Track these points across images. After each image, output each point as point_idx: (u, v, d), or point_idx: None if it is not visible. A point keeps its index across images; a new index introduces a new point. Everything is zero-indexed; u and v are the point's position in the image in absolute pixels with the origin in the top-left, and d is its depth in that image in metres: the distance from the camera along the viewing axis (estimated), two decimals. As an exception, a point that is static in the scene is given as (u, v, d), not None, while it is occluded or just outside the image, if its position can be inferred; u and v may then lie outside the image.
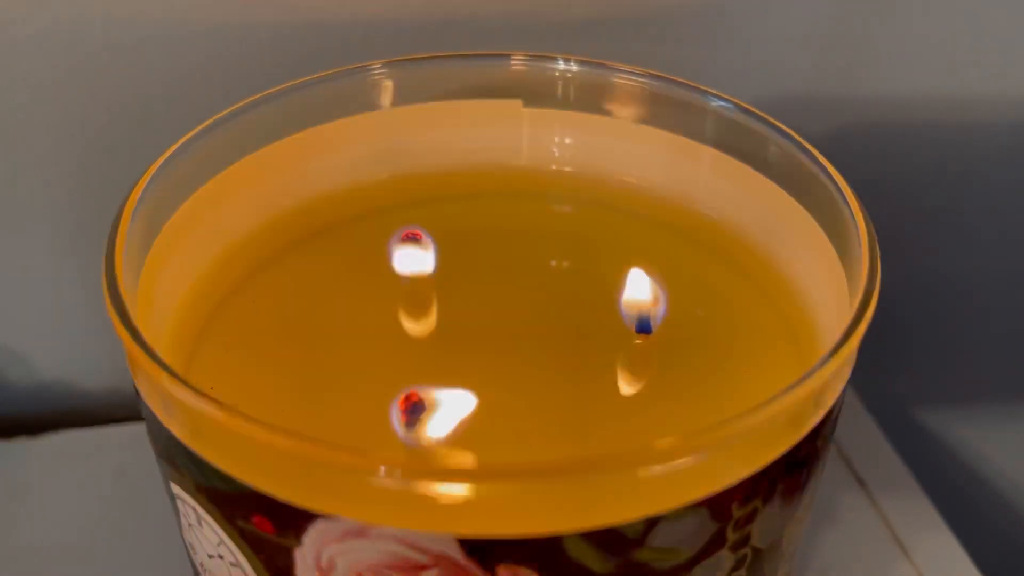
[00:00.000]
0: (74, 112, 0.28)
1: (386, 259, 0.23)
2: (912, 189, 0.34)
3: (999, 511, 0.39)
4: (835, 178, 0.21)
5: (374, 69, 0.25)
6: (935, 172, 0.34)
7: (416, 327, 0.23)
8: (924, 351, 0.37)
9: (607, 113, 0.25)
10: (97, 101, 0.28)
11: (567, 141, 0.26)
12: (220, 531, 0.18)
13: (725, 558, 0.18)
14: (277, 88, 0.24)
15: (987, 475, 0.38)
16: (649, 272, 0.22)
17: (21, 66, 0.27)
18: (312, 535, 0.17)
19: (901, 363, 0.37)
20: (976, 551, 0.29)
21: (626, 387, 0.21)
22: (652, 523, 0.16)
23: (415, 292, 0.23)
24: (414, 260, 0.23)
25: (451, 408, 0.19)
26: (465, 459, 0.18)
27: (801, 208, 0.22)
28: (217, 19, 0.28)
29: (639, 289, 0.21)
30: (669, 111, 0.24)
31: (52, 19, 0.27)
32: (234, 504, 0.17)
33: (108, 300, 0.18)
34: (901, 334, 0.36)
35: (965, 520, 0.30)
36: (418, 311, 0.23)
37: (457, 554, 0.16)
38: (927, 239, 0.35)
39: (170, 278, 0.22)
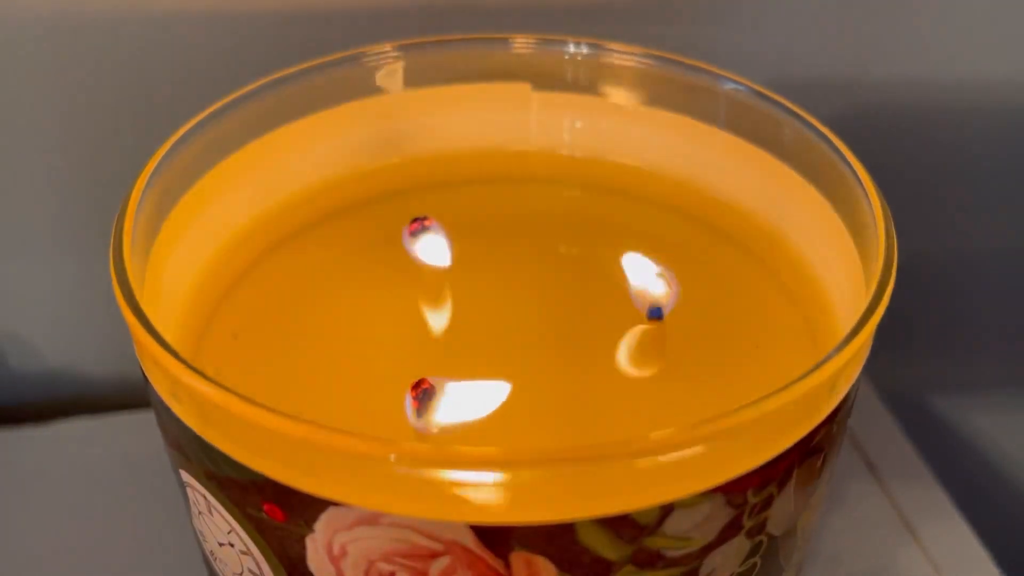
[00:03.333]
0: (79, 99, 0.28)
1: (394, 245, 0.23)
2: (924, 173, 0.34)
3: (1010, 497, 0.38)
4: (851, 162, 0.21)
5: (381, 53, 0.24)
6: (947, 155, 0.33)
7: (424, 313, 0.22)
8: (935, 337, 0.37)
9: (617, 96, 0.25)
10: (102, 88, 0.28)
11: (577, 125, 0.25)
12: (230, 519, 0.18)
13: (740, 545, 0.18)
14: (283, 73, 0.24)
15: (998, 461, 0.38)
16: (660, 257, 0.21)
17: (26, 53, 0.27)
18: (324, 522, 0.17)
19: (912, 349, 0.36)
20: (987, 537, 0.28)
21: (638, 374, 0.21)
22: (667, 510, 0.16)
23: (423, 278, 0.23)
24: (425, 248, 0.23)
25: (469, 397, 0.19)
26: (477, 446, 0.18)
27: (815, 192, 0.22)
28: (222, 4, 0.27)
29: (649, 275, 0.21)
30: (680, 94, 0.24)
31: (58, 6, 0.27)
32: (244, 492, 0.17)
33: (116, 287, 0.18)
34: (912, 319, 0.36)
35: (976, 506, 0.30)
36: (427, 297, 0.23)
37: (470, 541, 0.16)
38: (939, 223, 0.35)
39: (177, 265, 0.22)
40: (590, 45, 0.25)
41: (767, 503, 0.17)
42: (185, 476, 0.19)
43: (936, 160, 0.33)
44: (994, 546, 0.28)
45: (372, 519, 0.16)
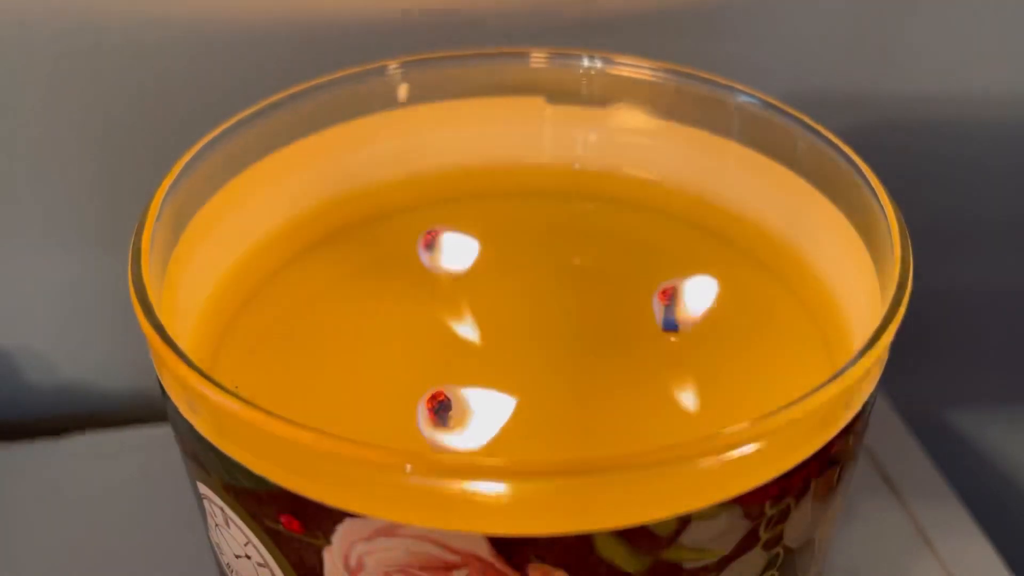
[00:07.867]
0: (99, 114, 0.28)
1: (408, 258, 0.23)
2: (936, 186, 0.34)
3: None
4: (866, 174, 0.21)
5: (396, 67, 0.25)
6: (960, 169, 0.33)
7: (440, 326, 0.23)
8: (951, 349, 0.37)
9: (631, 110, 0.25)
10: (122, 102, 0.28)
11: (590, 138, 0.26)
12: (247, 531, 0.18)
13: (757, 557, 0.18)
14: (298, 87, 0.24)
15: (1017, 474, 0.38)
16: (674, 271, 0.21)
17: (45, 66, 0.27)
18: (341, 534, 0.17)
19: (928, 361, 0.36)
20: (1005, 550, 0.28)
21: (654, 386, 0.21)
22: (684, 521, 0.16)
23: (439, 291, 0.23)
24: (444, 258, 0.23)
25: (485, 410, 0.19)
26: (494, 458, 0.18)
27: (830, 204, 0.22)
28: (238, 19, 0.27)
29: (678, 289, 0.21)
30: (694, 107, 0.24)
31: (76, 19, 0.27)
32: (262, 503, 0.17)
33: (135, 300, 0.18)
34: (927, 332, 0.36)
35: (994, 519, 0.30)
36: (442, 310, 0.23)
37: (487, 553, 0.16)
38: (952, 237, 0.34)
39: (193, 278, 0.22)
40: (604, 59, 0.25)
41: (784, 515, 0.17)
42: (202, 488, 0.19)
43: (948, 174, 0.33)
44: (1012, 559, 0.28)
45: (389, 530, 0.16)
